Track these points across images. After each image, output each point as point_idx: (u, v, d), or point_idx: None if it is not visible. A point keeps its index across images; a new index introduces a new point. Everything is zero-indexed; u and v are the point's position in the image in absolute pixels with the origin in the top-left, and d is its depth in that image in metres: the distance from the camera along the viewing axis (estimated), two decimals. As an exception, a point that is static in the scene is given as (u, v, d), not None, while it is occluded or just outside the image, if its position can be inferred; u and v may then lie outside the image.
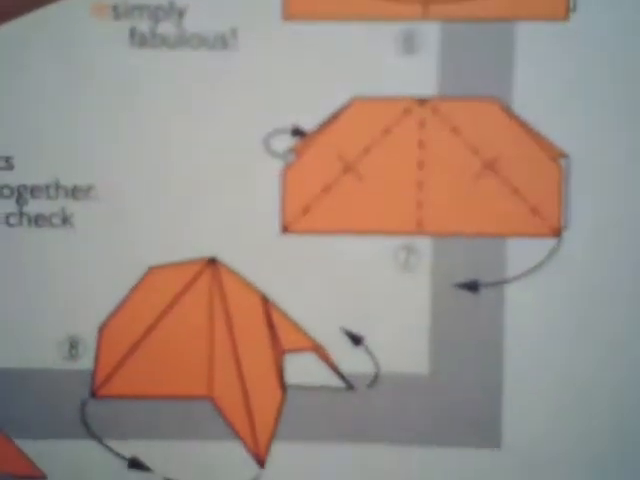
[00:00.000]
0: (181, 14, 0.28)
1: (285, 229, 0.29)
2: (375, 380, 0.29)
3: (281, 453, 0.29)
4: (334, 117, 0.29)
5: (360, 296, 0.29)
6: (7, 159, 0.28)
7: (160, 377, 0.29)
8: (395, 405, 0.29)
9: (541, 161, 0.29)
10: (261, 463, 0.29)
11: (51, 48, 0.28)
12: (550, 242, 0.29)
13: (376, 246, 0.29)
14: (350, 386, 0.29)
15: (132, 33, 0.28)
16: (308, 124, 0.29)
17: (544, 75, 0.29)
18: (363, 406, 0.29)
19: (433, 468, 0.30)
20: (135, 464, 0.29)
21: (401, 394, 0.29)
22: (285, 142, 0.29)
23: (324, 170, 0.29)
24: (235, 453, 0.29)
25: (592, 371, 0.29)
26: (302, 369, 0.29)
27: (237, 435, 0.29)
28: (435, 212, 0.29)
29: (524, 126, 0.29)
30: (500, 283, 0.29)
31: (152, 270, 0.29)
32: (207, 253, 0.29)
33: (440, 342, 0.29)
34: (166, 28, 0.28)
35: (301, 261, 0.29)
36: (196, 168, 0.29)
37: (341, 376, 0.29)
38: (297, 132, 0.29)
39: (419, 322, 0.29)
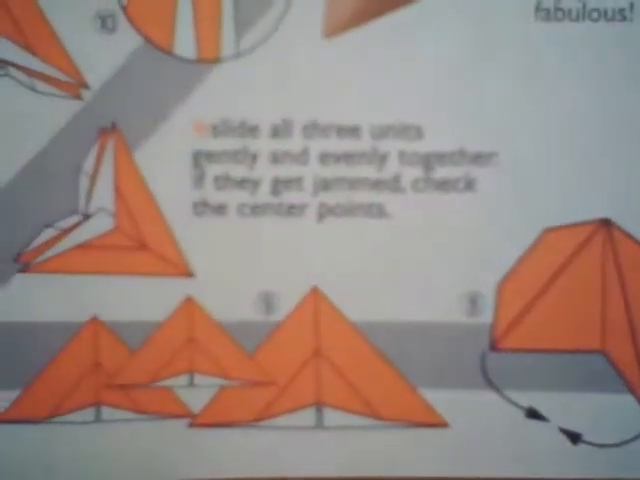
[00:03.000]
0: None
1: (677, 192, 0.30)
2: None
3: (671, 406, 0.31)
4: None
5: None
6: (418, 129, 0.31)
7: (555, 332, 0.31)
8: None
9: None
10: (653, 416, 0.31)
11: (461, 21, 0.30)
12: None
13: None
14: None
15: (537, 7, 0.30)
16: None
17: None
18: None
19: None
20: (532, 414, 0.31)
21: None
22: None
23: None
24: (627, 406, 0.31)
25: None
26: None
27: (630, 388, 0.31)
28: None
29: None
30: None
31: (547, 231, 0.31)
32: (600, 215, 0.31)
33: None
34: (569, 3, 0.30)
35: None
36: (590, 136, 0.30)
37: None
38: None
39: None
